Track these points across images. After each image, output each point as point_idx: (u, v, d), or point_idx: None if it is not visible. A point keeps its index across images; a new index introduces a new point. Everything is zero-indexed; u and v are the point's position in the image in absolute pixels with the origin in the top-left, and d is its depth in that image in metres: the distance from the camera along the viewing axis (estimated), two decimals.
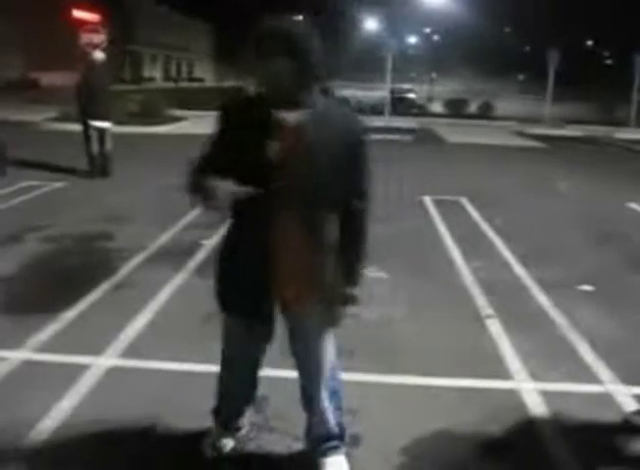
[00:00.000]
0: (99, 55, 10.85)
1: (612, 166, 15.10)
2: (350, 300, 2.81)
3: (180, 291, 5.32)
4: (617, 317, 5.17)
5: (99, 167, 10.69)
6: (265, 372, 3.13)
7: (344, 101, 28.38)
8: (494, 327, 4.86)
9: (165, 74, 71.08)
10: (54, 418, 3.41)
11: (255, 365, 3.02)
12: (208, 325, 4.22)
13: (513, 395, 3.86)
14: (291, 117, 2.46)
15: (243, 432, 3.24)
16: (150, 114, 19.78)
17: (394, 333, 4.73)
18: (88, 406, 3.56)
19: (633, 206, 9.71)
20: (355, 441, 3.29)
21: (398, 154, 15.37)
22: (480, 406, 3.70)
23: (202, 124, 15.63)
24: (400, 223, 8.09)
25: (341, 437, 3.01)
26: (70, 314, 4.86)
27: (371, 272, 6.00)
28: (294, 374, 2.96)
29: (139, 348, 4.32)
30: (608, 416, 3.65)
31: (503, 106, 28.61)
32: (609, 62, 76.75)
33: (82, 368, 3.98)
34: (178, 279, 5.55)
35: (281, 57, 2.33)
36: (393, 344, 4.54)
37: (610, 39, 67.58)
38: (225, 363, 3.01)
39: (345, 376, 3.84)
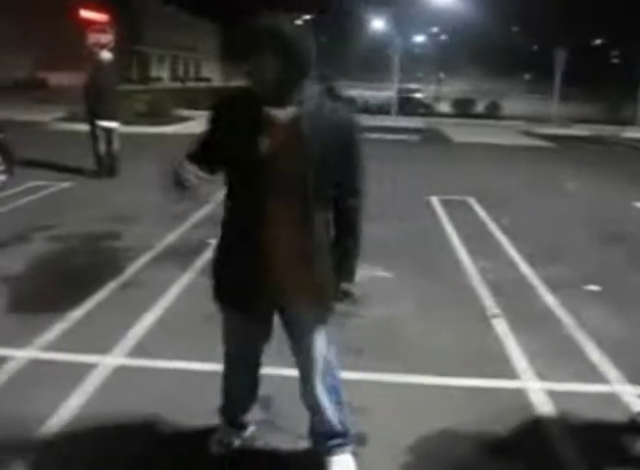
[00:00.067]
0: (106, 55, 10.88)
1: (619, 166, 15.04)
2: (345, 295, 2.81)
3: (187, 290, 5.33)
4: (624, 317, 5.16)
5: (106, 167, 10.72)
6: (269, 371, 3.14)
7: (350, 101, 28.40)
8: (501, 327, 4.86)
9: (173, 74, 71.21)
10: (61, 416, 3.43)
11: (256, 364, 3.04)
12: (215, 324, 4.19)
13: (519, 394, 3.86)
14: (281, 113, 2.47)
15: (249, 430, 3.26)
16: (157, 114, 19.81)
17: (402, 332, 4.73)
18: (95, 405, 3.57)
19: None
20: (362, 439, 3.29)
21: (405, 153, 15.37)
22: (487, 406, 3.70)
23: None
24: (407, 223, 8.08)
25: (344, 434, 3.01)
26: (77, 313, 4.88)
27: (378, 272, 6.01)
28: (297, 373, 2.97)
29: (146, 347, 4.34)
30: (614, 416, 3.65)
31: (510, 105, 28.56)
32: (616, 61, 76.55)
33: (89, 367, 4.00)
34: (185, 278, 5.56)
35: (270, 54, 2.34)
36: (400, 343, 4.55)
37: (618, 38, 67.41)
38: (226, 362, 3.03)
39: (353, 375, 3.88)
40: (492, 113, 28.58)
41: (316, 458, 3.04)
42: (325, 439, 3.00)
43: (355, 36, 69.76)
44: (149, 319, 4.78)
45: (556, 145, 18.95)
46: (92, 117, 10.58)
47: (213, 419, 3.22)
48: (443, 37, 76.33)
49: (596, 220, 8.59)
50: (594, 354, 4.42)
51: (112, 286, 5.49)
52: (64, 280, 5.70)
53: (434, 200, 9.58)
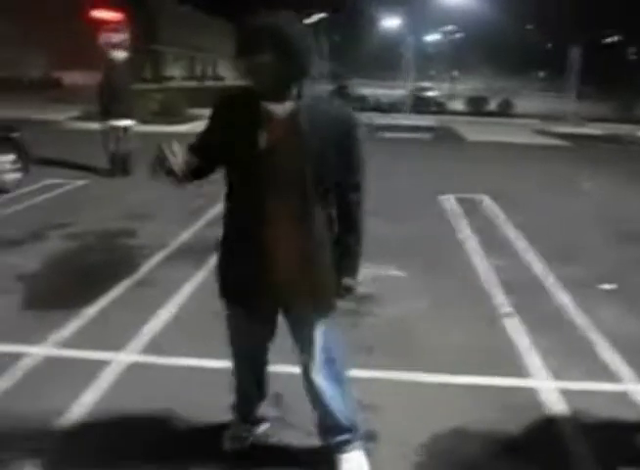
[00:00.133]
0: (121, 54, 10.92)
1: (635, 165, 14.93)
2: (347, 291, 2.83)
3: (201, 288, 5.35)
4: (639, 316, 5.13)
5: (119, 166, 10.77)
6: (279, 369, 3.15)
7: (362, 99, 28.39)
8: (514, 325, 4.85)
9: (190, 74, 71.37)
10: (75, 412, 3.47)
11: (262, 361, 3.07)
12: None
13: (532, 393, 3.85)
14: (279, 109, 2.49)
15: (262, 427, 3.28)
16: (171, 112, 19.89)
17: (414, 331, 4.73)
18: (109, 401, 3.60)
19: None
20: (373, 437, 3.31)
21: (418, 152, 15.35)
22: (500, 405, 3.70)
23: None
24: (421, 221, 8.08)
25: (351, 430, 3.01)
26: (92, 311, 4.91)
27: (391, 271, 6.02)
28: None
29: (160, 344, 4.36)
30: (628, 415, 3.64)
31: (524, 103, 28.47)
32: (634, 58, 75.93)
33: (103, 364, 4.03)
34: (199, 276, 5.59)
35: (268, 51, 2.35)
36: (413, 341, 4.55)
37: (635, 35, 66.87)
38: (233, 360, 3.06)
39: (365, 373, 3.90)
40: (505, 111, 28.47)
41: (327, 455, 3.05)
42: (332, 434, 3.01)
43: (369, 35, 69.62)
44: (163, 317, 4.81)
45: (571, 144, 18.86)
46: (106, 115, 10.64)
47: (226, 415, 3.24)
48: (457, 35, 76.11)
49: (611, 220, 8.54)
50: (608, 353, 4.41)
51: (126, 284, 5.52)
52: (78, 277, 5.75)
53: (448, 198, 9.57)
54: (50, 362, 4.08)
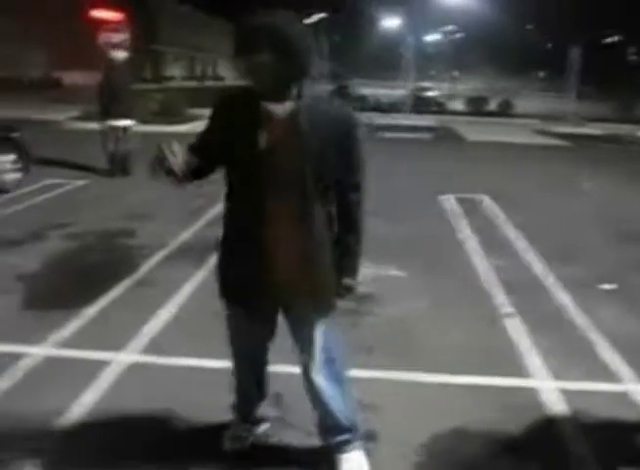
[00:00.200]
0: (121, 54, 10.93)
1: (635, 165, 14.94)
2: (347, 291, 2.83)
3: (201, 288, 5.35)
4: (639, 316, 5.13)
5: (119, 166, 10.77)
6: (279, 369, 3.15)
7: (362, 99, 28.38)
8: (514, 326, 4.85)
9: (190, 74, 71.34)
10: (75, 412, 3.47)
11: (262, 361, 3.08)
12: None
13: (532, 393, 3.85)
14: (279, 108, 2.50)
15: (263, 427, 3.29)
16: (171, 112, 19.88)
17: (414, 331, 4.73)
18: (109, 401, 3.60)
19: None
20: (373, 437, 3.31)
21: (419, 152, 15.35)
22: (500, 405, 3.70)
23: None
24: (421, 222, 8.08)
25: (351, 429, 3.01)
26: (92, 311, 4.91)
27: (391, 270, 6.02)
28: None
29: (160, 344, 4.36)
30: (628, 415, 3.64)
31: (524, 103, 28.48)
32: (634, 58, 75.86)
33: (103, 364, 4.03)
34: (199, 276, 5.58)
35: (267, 51, 2.35)
36: (413, 341, 4.55)
37: (635, 35, 66.85)
38: (233, 360, 3.06)
39: (365, 373, 3.91)
40: (505, 111, 28.48)
41: (327, 455, 3.05)
42: (332, 434, 3.01)
43: (369, 35, 69.61)
44: (163, 317, 4.81)
45: (571, 144, 18.86)
46: (106, 115, 10.64)
47: (227, 415, 3.24)
48: (457, 36, 76.10)
49: (611, 220, 8.54)
50: (608, 354, 4.41)
51: (126, 284, 5.52)
52: (79, 277, 5.75)
53: (449, 198, 9.57)
54: (50, 362, 4.08)
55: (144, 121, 13.84)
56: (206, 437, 3.27)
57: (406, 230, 7.59)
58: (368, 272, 5.82)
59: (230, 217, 2.71)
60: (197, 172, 2.64)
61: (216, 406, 3.37)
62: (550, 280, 5.91)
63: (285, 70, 2.39)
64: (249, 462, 3.11)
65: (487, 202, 9.39)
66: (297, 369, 2.99)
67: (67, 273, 5.89)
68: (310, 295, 2.70)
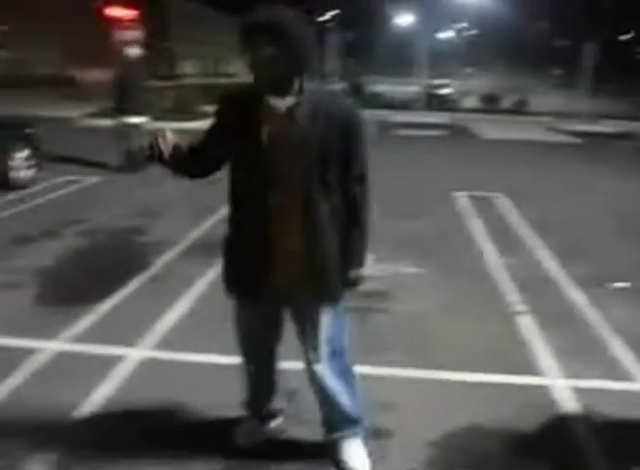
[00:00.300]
0: (134, 51, 10.96)
1: None
2: (354, 281, 2.84)
3: (213, 285, 5.36)
4: None
5: (133, 163, 10.80)
6: (293, 366, 3.16)
7: (376, 96, 28.32)
8: (527, 323, 4.84)
9: (202, 70, 71.42)
10: (87, 407, 3.50)
11: (270, 357, 3.10)
12: None
13: (545, 391, 3.85)
14: (280, 103, 2.52)
15: (275, 422, 3.31)
16: (183, 109, 19.93)
17: (427, 328, 4.73)
18: (122, 396, 3.63)
19: None
20: (387, 434, 3.32)
21: (433, 149, 15.30)
22: (512, 402, 3.69)
23: None
24: (435, 219, 8.07)
25: (355, 422, 3.05)
26: (105, 307, 4.94)
27: (405, 268, 6.01)
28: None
29: (172, 340, 4.39)
30: None
31: (538, 101, 28.26)
32: None
33: (116, 359, 4.06)
34: (211, 273, 5.60)
35: (268, 46, 2.37)
36: (426, 339, 4.55)
37: None
38: (243, 357, 3.09)
39: (379, 370, 3.96)
40: (520, 108, 28.32)
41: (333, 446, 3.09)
42: (336, 426, 3.05)
43: (382, 32, 69.44)
44: (176, 313, 4.83)
45: (586, 142, 18.72)
46: (119, 112, 10.68)
47: (238, 411, 3.26)
48: (471, 32, 75.76)
49: (624, 217, 8.48)
50: (621, 352, 4.39)
51: (139, 280, 5.55)
52: (92, 273, 5.78)
53: (463, 196, 9.54)
54: (63, 357, 4.12)
55: (156, 118, 13.88)
56: (219, 432, 3.29)
57: (420, 227, 7.58)
58: (383, 269, 5.84)
59: (235, 212, 2.73)
60: (199, 168, 2.75)
61: (228, 402, 3.38)
62: (563, 278, 5.88)
63: (287, 63, 2.42)
64: (260, 457, 3.12)
65: (501, 199, 9.36)
66: None
67: (80, 269, 5.93)
68: (316, 287, 2.71)
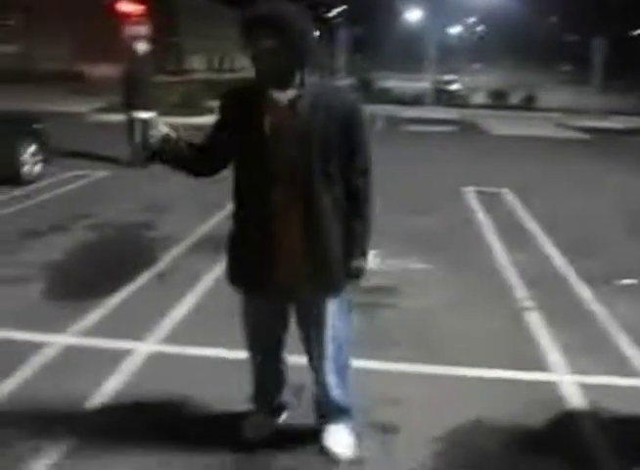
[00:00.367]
0: (142, 46, 10.97)
1: None
2: (356, 272, 2.85)
3: (221, 279, 5.34)
4: None
5: (141, 158, 10.82)
6: (300, 360, 3.16)
7: (384, 92, 28.25)
8: (535, 319, 4.83)
9: (209, 66, 71.39)
10: (96, 400, 3.52)
11: (277, 351, 3.11)
12: None
13: (552, 387, 3.84)
14: (282, 96, 2.54)
15: (282, 416, 3.32)
16: (190, 104, 19.94)
17: (435, 324, 4.73)
18: (130, 389, 3.64)
19: None
20: (394, 428, 3.33)
21: (442, 145, 15.27)
22: (520, 398, 3.69)
23: None
24: (443, 214, 8.06)
25: (345, 411, 3.13)
26: (114, 301, 4.96)
27: (413, 263, 6.01)
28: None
29: (180, 334, 4.40)
30: None
31: (547, 97, 28.16)
32: None
33: (124, 353, 4.07)
34: (218, 268, 5.60)
35: (270, 39, 2.38)
36: (433, 334, 4.55)
37: None
38: (250, 352, 3.11)
39: (386, 365, 3.98)
40: (528, 104, 28.21)
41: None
42: (326, 414, 3.15)
43: (391, 27, 69.29)
44: (184, 307, 4.85)
45: (595, 138, 18.64)
46: (128, 107, 10.70)
47: (246, 405, 3.27)
48: (480, 28, 75.59)
49: (632, 214, 8.45)
50: (628, 348, 4.38)
51: (147, 275, 5.57)
52: (100, 268, 5.80)
53: (472, 191, 9.52)
54: (72, 351, 4.13)
55: (164, 113, 13.90)
56: (225, 425, 3.30)
57: (429, 223, 7.58)
58: (391, 265, 5.84)
59: (238, 210, 2.76)
60: (205, 166, 2.80)
61: (236, 396, 3.39)
62: (571, 274, 5.87)
63: (288, 56, 2.43)
64: (267, 450, 3.13)
65: (510, 195, 9.34)
66: None
67: (89, 264, 5.95)
68: (318, 280, 2.73)
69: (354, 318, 4.35)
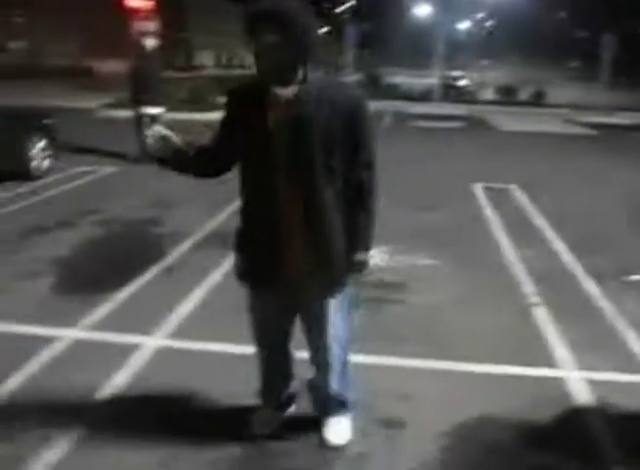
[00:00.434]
0: (151, 42, 10.98)
1: None
2: (360, 265, 2.86)
3: (228, 275, 5.38)
4: None
5: (148, 153, 10.83)
6: (307, 356, 3.18)
7: (392, 87, 28.21)
8: (542, 315, 4.83)
9: (218, 62, 71.39)
10: (104, 394, 3.54)
11: (284, 347, 3.14)
12: None
13: (560, 383, 3.84)
14: (285, 92, 2.54)
15: (288, 411, 3.35)
16: (199, 100, 19.95)
17: (442, 320, 4.73)
18: (138, 384, 3.67)
19: None
20: (401, 423, 3.35)
21: (451, 141, 15.25)
22: (527, 394, 3.69)
23: None
24: (451, 210, 8.05)
25: (343, 404, 3.17)
26: (122, 296, 4.99)
27: (421, 259, 6.01)
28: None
29: (187, 329, 4.42)
30: None
31: (556, 93, 28.07)
32: None
33: (133, 347, 4.10)
34: (226, 264, 5.62)
35: (272, 34, 2.39)
36: (441, 330, 4.55)
37: None
38: (257, 347, 3.13)
39: (394, 361, 4.00)
40: (537, 100, 28.12)
41: (349, 445, 3.14)
42: (325, 408, 3.20)
43: (399, 22, 69.09)
44: (191, 302, 4.87)
45: (602, 133, 18.58)
46: (136, 103, 10.73)
47: (253, 400, 3.29)
48: (489, 23, 75.26)
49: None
50: (636, 345, 4.38)
51: (155, 270, 5.59)
52: (109, 263, 5.83)
53: (480, 187, 9.51)
54: (81, 345, 4.16)
55: (172, 109, 13.92)
56: (233, 419, 3.32)
57: (437, 219, 7.58)
58: (399, 261, 5.84)
59: (245, 206, 2.78)
60: (210, 166, 2.84)
61: (243, 391, 3.41)
62: (578, 270, 5.86)
63: (291, 52, 2.44)
64: (275, 445, 3.15)
65: (518, 191, 9.32)
66: None
67: (97, 259, 5.98)
68: (322, 273, 2.75)
69: (362, 314, 4.40)
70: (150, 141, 2.66)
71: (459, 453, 3.16)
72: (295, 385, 3.31)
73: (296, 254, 2.69)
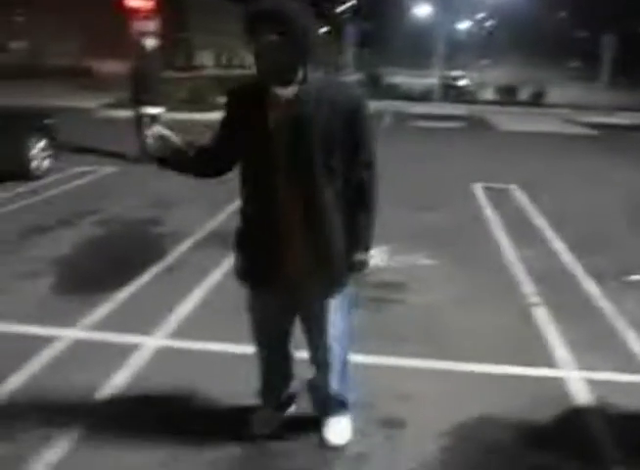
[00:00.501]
0: (151, 42, 10.98)
1: None
2: (360, 265, 2.86)
3: (228, 275, 5.39)
4: None
5: (148, 153, 10.83)
6: (307, 356, 3.18)
7: (392, 87, 28.22)
8: (542, 315, 4.83)
9: (218, 62, 71.39)
10: (104, 394, 3.54)
11: (285, 348, 3.14)
12: None
13: (560, 383, 3.84)
14: (284, 92, 2.54)
15: (288, 411, 3.35)
16: (199, 100, 19.96)
17: (442, 320, 4.73)
18: (138, 384, 3.67)
19: None
20: (401, 423, 3.35)
21: (451, 141, 15.25)
22: (526, 394, 3.69)
23: None
24: (451, 210, 8.05)
25: (342, 404, 3.18)
26: (122, 295, 4.99)
27: (421, 259, 6.01)
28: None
29: (187, 329, 4.42)
30: None
31: (556, 93, 28.08)
32: None
33: (133, 347, 4.10)
34: (226, 264, 5.63)
35: (272, 34, 2.39)
36: (441, 330, 4.55)
37: None
38: (257, 347, 3.13)
39: (394, 361, 3.99)
40: (537, 100, 28.13)
41: (349, 445, 3.15)
42: (325, 407, 3.21)
43: (400, 22, 69.08)
44: (191, 303, 4.87)
45: (602, 133, 18.59)
46: (136, 103, 10.73)
47: (253, 399, 3.29)
48: (489, 23, 75.28)
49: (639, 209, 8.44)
50: (636, 345, 4.38)
51: (155, 270, 5.59)
52: (109, 263, 5.83)
53: (478, 187, 9.51)
54: (81, 345, 4.16)
55: (172, 109, 13.92)
56: (233, 419, 3.32)
57: (437, 219, 7.58)
58: (399, 261, 5.84)
59: (245, 206, 2.78)
60: (210, 166, 2.83)
61: (243, 391, 3.41)
62: (578, 270, 5.86)
63: (290, 52, 2.43)
64: (275, 444, 3.16)
65: (518, 191, 9.32)
66: None
67: (97, 259, 5.98)
68: (321, 273, 2.75)
69: (362, 314, 4.39)
70: (150, 141, 2.66)
71: (459, 453, 3.16)
72: (295, 385, 3.32)
73: (296, 253, 2.69)
